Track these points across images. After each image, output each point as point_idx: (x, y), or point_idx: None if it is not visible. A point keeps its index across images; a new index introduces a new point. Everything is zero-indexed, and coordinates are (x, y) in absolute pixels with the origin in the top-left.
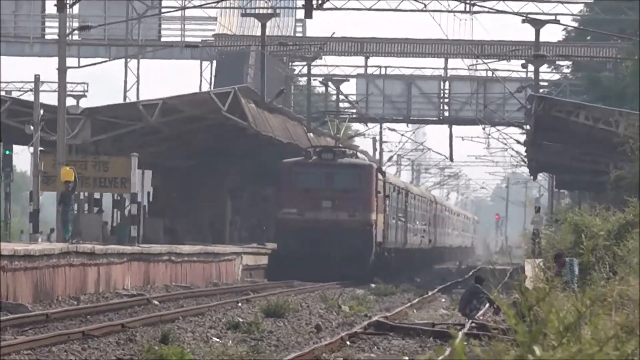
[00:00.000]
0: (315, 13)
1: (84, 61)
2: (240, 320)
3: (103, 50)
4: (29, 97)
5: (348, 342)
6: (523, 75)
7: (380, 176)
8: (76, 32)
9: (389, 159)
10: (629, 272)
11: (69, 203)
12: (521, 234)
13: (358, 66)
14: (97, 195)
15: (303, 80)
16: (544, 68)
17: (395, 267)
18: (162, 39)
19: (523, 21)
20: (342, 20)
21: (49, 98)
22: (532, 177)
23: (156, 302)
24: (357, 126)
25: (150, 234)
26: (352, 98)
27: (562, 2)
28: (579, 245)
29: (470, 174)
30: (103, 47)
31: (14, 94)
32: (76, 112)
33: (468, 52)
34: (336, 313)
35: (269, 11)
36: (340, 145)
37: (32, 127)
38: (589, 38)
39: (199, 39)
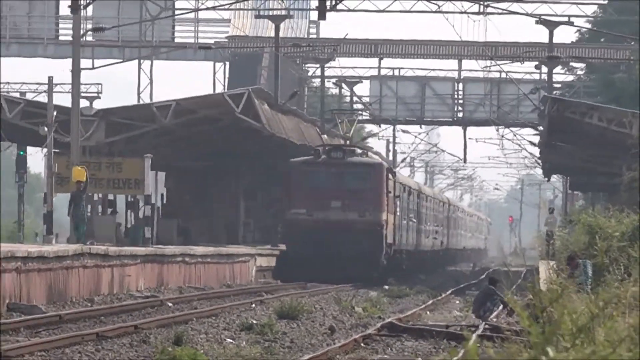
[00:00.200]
0: (328, 14)
1: (97, 62)
2: (254, 321)
3: (117, 52)
4: (43, 98)
5: (362, 344)
6: (537, 76)
7: (390, 176)
8: (90, 33)
9: (403, 161)
10: None
11: (80, 203)
12: (535, 236)
13: (371, 67)
14: (110, 197)
15: (316, 82)
16: (557, 69)
17: (407, 268)
18: (176, 41)
19: (537, 22)
20: (356, 22)
21: (63, 99)
22: (546, 178)
23: (170, 304)
24: (370, 128)
25: (164, 235)
26: (366, 99)
27: (576, 4)
28: (592, 246)
29: (483, 176)
30: (117, 49)
31: (28, 96)
32: (90, 114)
33: (482, 53)
34: (350, 315)
35: (283, 13)
36: (349, 143)
37: (46, 129)
38: (602, 39)
39: (212, 41)
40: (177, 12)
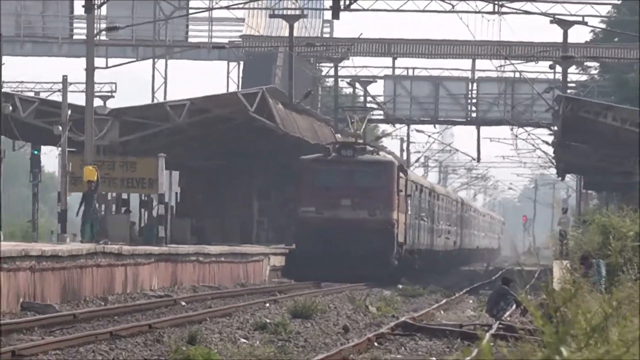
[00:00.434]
0: (342, 14)
1: (111, 61)
2: (268, 321)
3: (131, 51)
4: (57, 97)
5: (375, 343)
6: (551, 76)
7: (402, 174)
8: (104, 32)
9: (416, 160)
10: None
11: (91, 202)
12: (549, 235)
13: (385, 67)
14: (124, 196)
15: (330, 81)
16: (571, 69)
17: (420, 268)
18: (190, 40)
19: (551, 22)
20: (370, 22)
21: (77, 98)
22: (560, 178)
23: (183, 303)
24: (384, 127)
25: (178, 234)
26: (380, 99)
27: (590, 3)
28: (606, 246)
29: (497, 175)
30: (131, 48)
31: (42, 95)
32: (104, 113)
33: (496, 53)
34: (363, 314)
35: (297, 12)
36: (360, 141)
37: (60, 128)
38: (616, 39)
39: (226, 40)
40: (190, 11)
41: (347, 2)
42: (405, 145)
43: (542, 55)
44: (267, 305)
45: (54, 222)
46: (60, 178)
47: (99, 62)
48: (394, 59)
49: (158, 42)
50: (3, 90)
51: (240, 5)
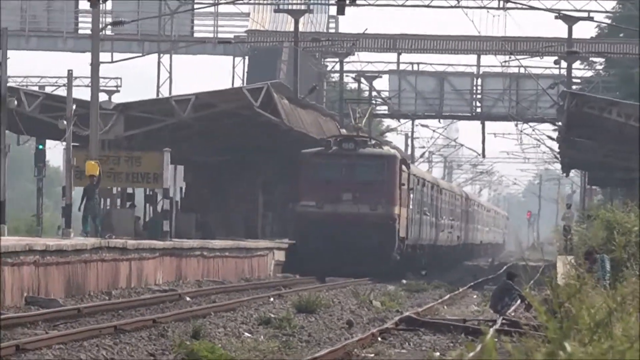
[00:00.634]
0: (347, 9)
1: (117, 56)
2: (272, 315)
3: (136, 46)
4: (62, 92)
5: (379, 338)
6: (556, 71)
7: (404, 168)
8: (109, 27)
9: (421, 155)
10: None
11: (93, 197)
12: (553, 230)
13: (390, 62)
14: (129, 190)
15: (335, 77)
16: (576, 65)
17: (423, 263)
18: (195, 35)
19: (556, 17)
20: (375, 17)
21: (82, 93)
22: (564, 173)
23: (188, 298)
24: (389, 122)
25: (183, 229)
26: (385, 94)
27: None
28: (611, 241)
29: (502, 171)
30: (136, 43)
31: (48, 89)
32: (109, 108)
33: (501, 48)
34: (367, 309)
35: (302, 7)
36: (361, 134)
37: (65, 122)
38: (621, 35)
39: (231, 35)
40: (196, 6)
41: None
42: (410, 140)
43: (547, 50)
44: (272, 300)
45: (59, 217)
46: (65, 173)
47: (104, 56)
48: (399, 54)
49: (163, 37)
50: (8, 84)
51: (246, 0)
